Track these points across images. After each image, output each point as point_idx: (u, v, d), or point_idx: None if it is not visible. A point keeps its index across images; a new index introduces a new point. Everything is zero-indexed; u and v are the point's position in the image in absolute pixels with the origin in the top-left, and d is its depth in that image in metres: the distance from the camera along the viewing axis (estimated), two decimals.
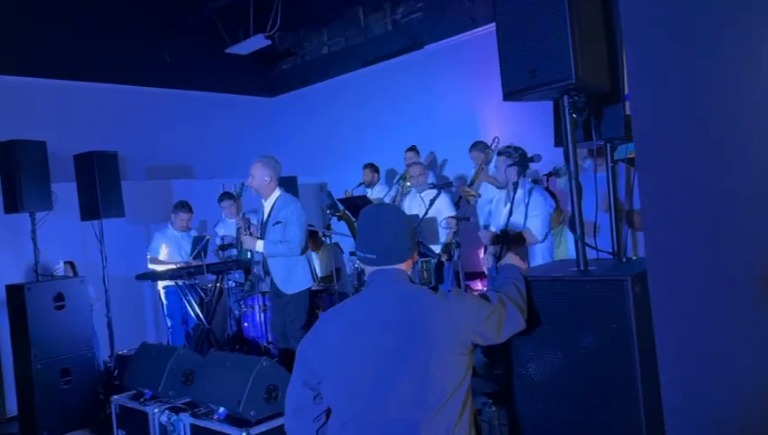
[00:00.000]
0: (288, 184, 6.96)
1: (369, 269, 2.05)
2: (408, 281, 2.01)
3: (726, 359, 1.80)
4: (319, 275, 6.42)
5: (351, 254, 5.41)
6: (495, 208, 4.17)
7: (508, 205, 3.90)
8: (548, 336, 2.16)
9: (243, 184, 4.95)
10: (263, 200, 4.56)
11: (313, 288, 4.82)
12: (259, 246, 4.41)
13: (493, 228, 4.12)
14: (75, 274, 5.50)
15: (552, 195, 4.44)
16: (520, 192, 3.82)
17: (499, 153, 4.11)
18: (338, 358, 1.94)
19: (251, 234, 4.48)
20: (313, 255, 6.54)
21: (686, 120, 1.81)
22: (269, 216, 4.48)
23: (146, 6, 7.90)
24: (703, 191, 1.81)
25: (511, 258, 2.34)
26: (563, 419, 2.16)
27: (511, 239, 3.63)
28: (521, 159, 3.88)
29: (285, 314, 4.53)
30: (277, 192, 4.49)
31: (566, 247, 4.23)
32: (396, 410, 1.84)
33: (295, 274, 4.47)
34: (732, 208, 1.73)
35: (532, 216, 3.81)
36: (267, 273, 4.55)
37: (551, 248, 4.01)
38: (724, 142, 1.71)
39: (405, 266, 2.02)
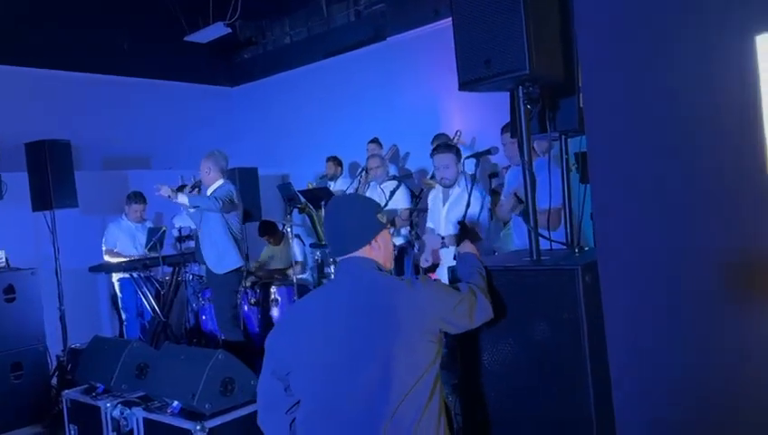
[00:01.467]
0: (249, 175, 6.87)
1: (337, 260, 2.06)
2: (375, 269, 1.97)
3: (675, 347, 1.83)
4: (278, 267, 6.38)
5: (312, 246, 5.38)
6: (434, 205, 4.10)
7: (448, 203, 3.88)
8: (500, 326, 2.17)
9: (194, 178, 5.04)
10: (206, 192, 4.79)
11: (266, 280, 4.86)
12: (181, 198, 4.57)
13: (431, 224, 4.05)
14: (8, 264, 5.28)
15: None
16: (458, 189, 3.80)
17: (435, 151, 4.02)
18: (306, 347, 1.94)
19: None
20: (273, 247, 6.48)
21: (638, 113, 1.83)
22: None
23: None
24: (652, 182, 1.84)
25: (467, 246, 2.35)
26: (516, 407, 2.18)
27: (470, 233, 3.64)
28: (472, 154, 3.91)
29: (216, 299, 4.75)
30: (219, 182, 4.72)
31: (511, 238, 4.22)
32: (362, 398, 1.84)
33: (226, 254, 4.66)
34: (681, 200, 1.76)
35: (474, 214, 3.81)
36: (198, 260, 4.78)
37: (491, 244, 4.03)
38: (674, 134, 1.74)
39: (367, 253, 1.98)
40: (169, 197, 4.52)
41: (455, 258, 3.45)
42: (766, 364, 1.59)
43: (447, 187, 3.86)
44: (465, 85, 2.25)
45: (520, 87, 2.24)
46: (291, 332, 2.00)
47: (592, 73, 2.02)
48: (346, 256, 2.00)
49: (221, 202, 4.51)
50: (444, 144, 4.22)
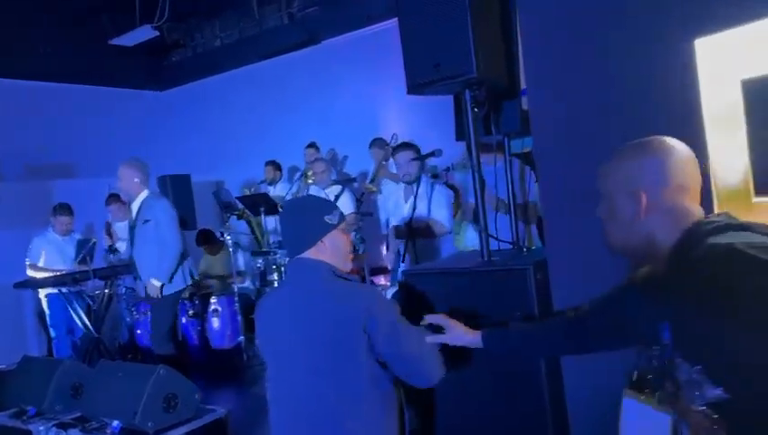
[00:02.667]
0: (181, 183, 6.68)
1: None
2: (321, 271, 1.96)
3: None
4: (217, 274, 6.23)
5: (253, 254, 5.28)
6: (395, 204, 4.20)
7: (411, 199, 3.95)
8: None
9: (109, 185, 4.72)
10: (130, 203, 4.50)
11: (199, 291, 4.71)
12: (157, 283, 4.28)
13: (394, 222, 4.14)
14: None
15: (453, 188, 4.54)
16: (423, 186, 3.89)
17: (397, 149, 4.13)
18: (262, 344, 2.11)
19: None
20: (211, 257, 6.32)
21: (582, 115, 1.89)
22: (137, 217, 4.40)
23: None
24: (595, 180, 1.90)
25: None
26: (470, 407, 2.20)
27: (417, 233, 3.67)
28: (420, 155, 3.95)
29: (154, 317, 4.47)
30: (144, 193, 4.43)
31: (464, 238, 4.32)
32: (304, 399, 1.89)
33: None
34: None
35: (439, 207, 3.88)
36: (138, 277, 4.44)
37: (452, 240, 4.10)
38: (618, 134, 1.80)
39: (315, 254, 1.97)
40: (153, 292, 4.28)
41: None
42: None
43: (410, 183, 3.92)
44: (413, 88, 2.26)
45: (467, 90, 2.27)
46: (257, 326, 2.12)
47: (537, 78, 2.08)
48: (295, 258, 2.02)
49: (178, 243, 4.30)
50: (404, 143, 4.28)
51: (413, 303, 2.26)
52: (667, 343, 1.26)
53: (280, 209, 5.56)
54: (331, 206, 2.07)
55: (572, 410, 2.06)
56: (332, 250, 1.99)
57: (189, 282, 4.53)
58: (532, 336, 1.78)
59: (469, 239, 3.75)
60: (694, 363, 1.16)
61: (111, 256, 5.61)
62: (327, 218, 1.99)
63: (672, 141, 1.31)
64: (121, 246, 5.20)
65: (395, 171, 5.12)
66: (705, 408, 1.16)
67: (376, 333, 1.84)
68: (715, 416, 1.14)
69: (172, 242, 4.30)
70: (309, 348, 1.90)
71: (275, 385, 2.04)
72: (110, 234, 5.56)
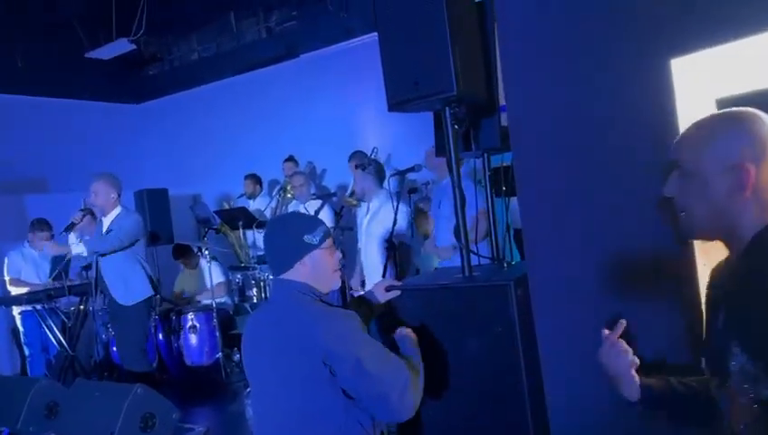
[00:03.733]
0: (159, 196, 6.61)
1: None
2: (294, 292, 1.95)
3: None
4: (190, 292, 6.16)
5: (232, 268, 5.24)
6: (359, 221, 4.22)
7: (367, 217, 3.97)
8: (435, 342, 2.19)
9: (84, 201, 4.65)
10: (102, 217, 4.47)
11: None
12: (76, 249, 4.30)
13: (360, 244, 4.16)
14: None
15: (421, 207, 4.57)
16: (376, 202, 3.93)
17: (356, 167, 4.16)
18: (244, 363, 2.13)
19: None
20: (189, 272, 6.25)
21: (561, 132, 1.92)
22: (106, 231, 4.38)
23: None
24: (577, 197, 1.93)
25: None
26: (453, 422, 2.20)
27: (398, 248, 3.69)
28: (377, 171, 4.01)
29: (122, 333, 4.41)
30: (118, 209, 4.42)
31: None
32: (278, 419, 1.93)
33: (133, 282, 4.34)
34: (605, 213, 1.85)
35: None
36: (101, 290, 4.41)
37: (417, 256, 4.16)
38: (596, 152, 1.83)
39: (294, 275, 1.97)
40: (60, 252, 4.24)
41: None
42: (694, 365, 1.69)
43: (360, 201, 4.00)
44: (394, 106, 2.27)
45: (447, 108, 2.29)
46: (242, 345, 2.13)
47: (516, 95, 2.11)
48: (277, 278, 2.04)
49: (126, 240, 4.25)
50: (362, 162, 4.31)
51: (394, 318, 2.26)
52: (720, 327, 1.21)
53: (257, 224, 5.54)
54: (313, 225, 2.03)
55: (555, 425, 2.07)
56: (313, 271, 1.97)
57: (152, 293, 4.45)
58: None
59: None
60: (755, 358, 1.10)
61: (85, 271, 5.52)
62: (306, 238, 1.96)
63: (761, 114, 1.19)
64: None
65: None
66: (754, 404, 1.11)
67: (338, 366, 1.82)
68: (763, 413, 1.09)
69: (116, 237, 4.23)
70: (278, 370, 1.91)
71: (255, 404, 2.10)
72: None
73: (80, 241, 4.48)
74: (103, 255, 4.30)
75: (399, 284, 2.36)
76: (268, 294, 4.51)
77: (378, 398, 1.84)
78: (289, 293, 1.96)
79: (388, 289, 2.30)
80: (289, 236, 1.99)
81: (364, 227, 3.94)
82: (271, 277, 4.45)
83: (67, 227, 4.45)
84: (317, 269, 1.98)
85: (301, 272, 1.96)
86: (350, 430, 1.87)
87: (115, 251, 4.25)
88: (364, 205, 4.13)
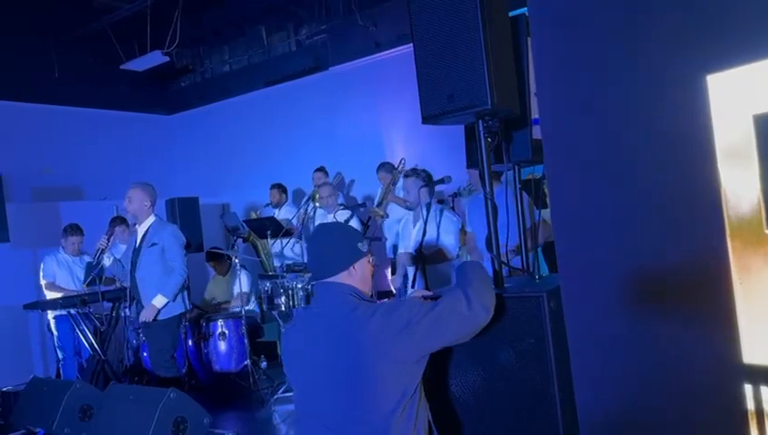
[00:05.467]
0: (189, 205, 6.72)
1: (313, 284, 2.16)
2: (349, 295, 2.03)
3: (634, 367, 1.92)
4: (220, 299, 6.24)
5: (261, 277, 5.30)
6: (404, 229, 4.25)
7: (419, 224, 4.00)
8: (468, 353, 2.21)
9: (116, 207, 4.72)
10: (137, 226, 4.53)
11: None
12: (159, 302, 4.30)
13: (401, 249, 4.19)
14: None
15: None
16: (432, 212, 3.94)
17: (407, 175, 4.20)
18: (289, 369, 2.16)
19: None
20: (220, 278, 6.34)
21: (596, 147, 1.94)
22: (142, 240, 4.43)
23: (33, 17, 7.41)
24: (610, 211, 1.95)
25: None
26: (484, 432, 2.22)
27: (428, 258, 3.70)
28: (429, 181, 4.01)
29: (154, 341, 4.46)
30: (152, 218, 4.48)
31: None
32: (332, 424, 1.93)
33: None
34: (638, 228, 1.86)
35: (446, 233, 3.92)
36: (135, 299, 4.45)
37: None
38: (631, 165, 1.85)
39: (344, 279, 2.06)
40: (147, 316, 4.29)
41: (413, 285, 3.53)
42: (728, 384, 1.69)
43: (410, 209, 4.01)
44: (428, 119, 2.31)
45: (480, 120, 2.32)
46: (284, 350, 2.19)
47: (550, 109, 2.13)
48: (323, 281, 2.08)
49: (183, 269, 4.37)
50: (411, 169, 4.35)
51: None
52: None
53: (284, 233, 5.60)
54: (361, 234, 2.22)
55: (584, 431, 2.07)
56: (360, 276, 2.09)
57: (189, 307, 4.57)
58: None
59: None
60: None
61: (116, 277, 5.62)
62: (359, 245, 2.11)
63: None
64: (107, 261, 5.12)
65: (402, 196, 5.18)
66: None
67: (418, 341, 1.93)
68: None
69: (179, 268, 4.37)
70: (333, 373, 1.94)
71: (302, 411, 2.10)
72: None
73: (111, 257, 4.56)
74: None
75: (431, 293, 2.39)
76: (297, 303, 4.55)
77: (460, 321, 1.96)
78: (340, 293, 2.04)
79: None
80: (344, 241, 2.12)
81: (413, 235, 3.97)
82: (301, 285, 4.50)
83: (96, 256, 4.58)
84: (363, 274, 2.10)
85: (352, 276, 2.07)
86: (407, 424, 1.95)
87: (183, 283, 4.40)
88: (405, 213, 4.18)
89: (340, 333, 1.96)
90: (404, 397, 1.92)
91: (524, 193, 3.21)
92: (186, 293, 4.53)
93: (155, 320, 4.32)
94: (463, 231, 4.27)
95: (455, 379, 2.26)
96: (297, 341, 2.10)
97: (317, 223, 5.47)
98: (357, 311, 1.98)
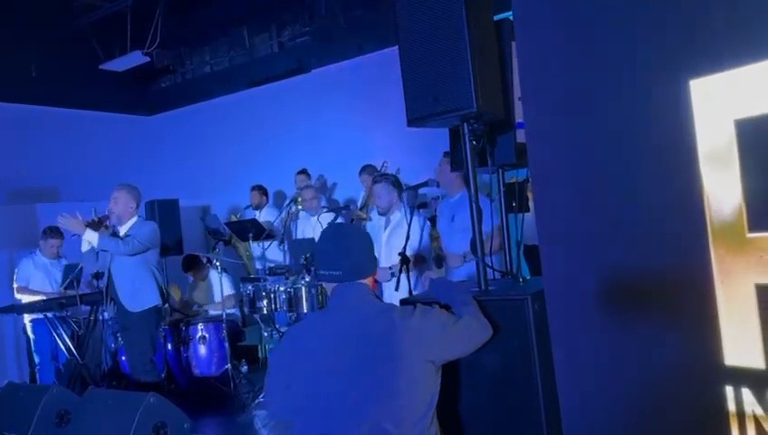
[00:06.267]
0: (169, 207, 6.65)
1: (330, 286, 2.11)
2: (374, 297, 2.08)
3: (617, 369, 1.94)
4: (201, 302, 6.18)
5: (243, 280, 5.26)
6: (375, 235, 4.23)
7: (389, 229, 4.00)
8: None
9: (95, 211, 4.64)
10: (118, 227, 4.52)
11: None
12: (90, 235, 4.27)
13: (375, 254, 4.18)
14: None
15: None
16: (397, 215, 3.97)
17: (376, 181, 4.18)
18: (306, 370, 2.02)
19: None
20: (199, 282, 6.28)
21: (579, 150, 1.95)
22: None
23: (9, 15, 7.28)
24: (594, 214, 1.96)
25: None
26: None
27: (411, 261, 3.71)
28: (398, 185, 4.07)
29: (132, 342, 4.43)
30: (135, 218, 4.50)
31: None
32: (361, 425, 1.90)
33: (142, 289, 4.38)
34: (621, 230, 1.87)
35: (426, 238, 3.94)
36: (112, 298, 4.44)
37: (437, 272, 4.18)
38: (615, 168, 1.86)
39: (368, 282, 2.10)
40: (76, 232, 4.23)
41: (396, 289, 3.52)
42: (709, 386, 1.71)
43: (382, 214, 4.03)
44: (413, 122, 2.31)
45: (465, 123, 2.33)
46: (295, 353, 2.08)
47: (534, 112, 2.14)
48: (347, 283, 2.07)
49: (141, 246, 4.31)
50: (381, 174, 4.36)
51: None
52: None
53: (265, 235, 5.57)
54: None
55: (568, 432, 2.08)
56: (372, 281, 2.17)
57: (160, 302, 4.50)
58: None
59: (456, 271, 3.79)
60: None
61: (96, 281, 5.55)
62: (374, 252, 2.22)
63: None
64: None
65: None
66: None
67: (446, 348, 2.01)
68: None
69: (130, 243, 4.29)
70: (380, 380, 1.92)
71: (306, 410, 2.02)
72: None
73: (90, 244, 4.48)
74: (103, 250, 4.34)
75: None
76: (279, 306, 4.53)
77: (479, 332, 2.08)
78: (371, 297, 2.08)
79: (402, 302, 2.34)
80: (371, 248, 2.18)
81: (384, 239, 3.97)
82: (283, 288, 4.47)
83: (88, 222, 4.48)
84: (374, 278, 2.22)
85: (371, 279, 2.15)
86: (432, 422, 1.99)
87: (129, 254, 4.30)
88: (377, 218, 4.16)
89: (377, 332, 1.96)
90: (430, 409, 1.96)
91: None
92: (156, 286, 4.46)
93: (129, 315, 4.30)
94: (434, 235, 4.29)
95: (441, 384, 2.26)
96: (311, 340, 2.06)
97: (299, 226, 5.46)
98: (394, 310, 2.02)
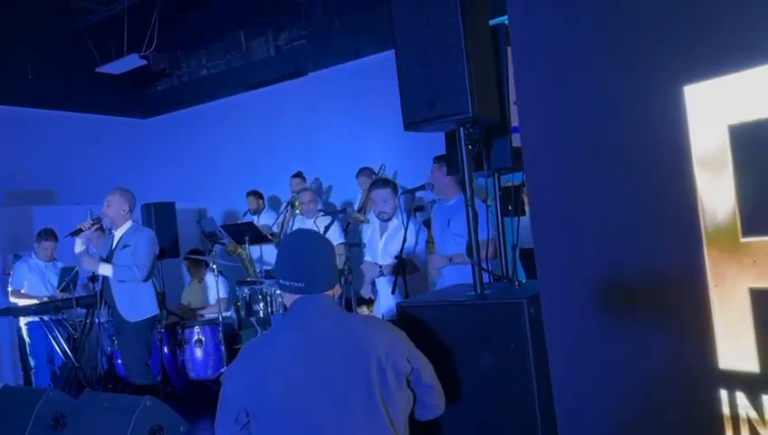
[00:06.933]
0: (166, 210, 6.65)
1: (291, 297, 1.97)
2: (338, 307, 2.00)
3: (612, 372, 1.95)
4: (195, 305, 6.17)
5: (239, 283, 5.26)
6: (371, 238, 4.22)
7: (387, 234, 3.99)
8: (448, 359, 2.22)
9: (90, 212, 4.64)
10: (113, 230, 4.51)
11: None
12: (104, 269, 4.27)
13: (368, 257, 4.16)
14: None
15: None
16: (396, 221, 3.96)
17: (376, 186, 4.14)
18: (275, 391, 1.83)
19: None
20: (196, 284, 6.27)
21: (574, 154, 1.97)
22: (117, 243, 4.41)
23: (6, 17, 7.27)
24: (590, 218, 1.97)
25: None
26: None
27: (407, 265, 3.71)
28: (408, 189, 4.06)
29: (127, 347, 4.43)
30: (129, 223, 4.48)
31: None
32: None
33: (141, 299, 4.37)
34: (617, 234, 1.89)
35: (422, 243, 3.94)
36: (106, 303, 4.42)
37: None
38: (610, 173, 1.88)
39: (331, 293, 2.00)
40: (92, 269, 4.25)
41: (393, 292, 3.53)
42: (704, 389, 1.72)
43: (385, 220, 3.98)
44: (410, 126, 2.32)
45: (461, 128, 2.34)
46: (256, 375, 1.87)
47: (530, 117, 2.15)
48: (312, 295, 1.95)
49: (149, 265, 4.33)
50: (381, 179, 4.36)
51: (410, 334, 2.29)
52: None
53: (271, 239, 5.57)
54: None
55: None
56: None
57: (157, 312, 4.50)
58: None
59: (445, 275, 3.75)
60: None
61: (92, 284, 5.55)
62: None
63: None
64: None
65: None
66: None
67: (418, 364, 1.93)
68: None
69: (141, 266, 4.30)
70: (365, 389, 1.82)
71: (316, 422, 1.83)
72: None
73: (84, 247, 4.48)
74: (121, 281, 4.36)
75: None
76: (275, 309, 4.53)
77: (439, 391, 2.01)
78: (336, 308, 1.98)
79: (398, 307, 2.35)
80: (333, 256, 2.05)
81: (381, 244, 3.96)
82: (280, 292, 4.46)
83: (73, 232, 4.48)
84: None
85: (334, 290, 2.03)
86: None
87: (145, 279, 4.33)
88: (375, 222, 4.16)
89: (355, 342, 1.87)
90: (400, 414, 1.90)
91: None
92: (155, 296, 4.47)
93: (125, 322, 4.29)
94: (430, 240, 4.29)
95: None
96: (279, 361, 1.88)
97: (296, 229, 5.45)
98: (368, 321, 2.00)
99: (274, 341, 1.99)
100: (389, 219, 3.95)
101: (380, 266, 3.84)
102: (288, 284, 1.96)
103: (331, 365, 1.84)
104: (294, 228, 5.51)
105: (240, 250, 6.11)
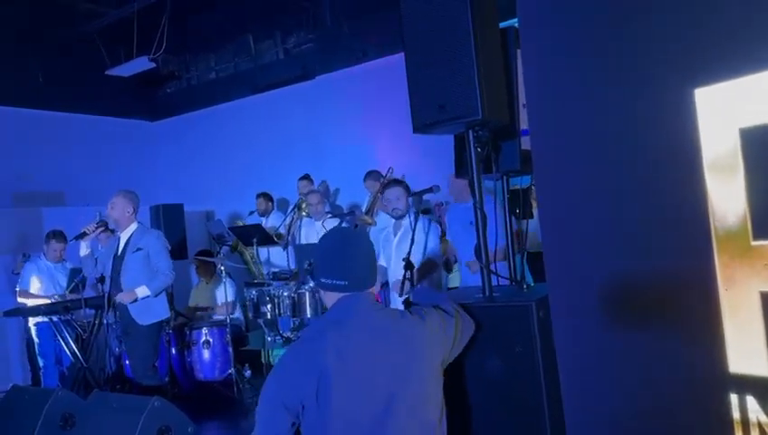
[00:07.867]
0: (174, 212, 6.69)
1: (333, 296, 1.96)
2: (382, 305, 2.08)
3: (621, 376, 1.94)
4: (203, 305, 6.19)
5: (247, 285, 5.28)
6: (386, 239, 4.25)
7: (399, 234, 4.02)
8: (457, 362, 2.21)
9: (99, 214, 4.66)
10: (118, 232, 4.52)
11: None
12: (141, 292, 4.30)
13: (381, 261, 4.18)
14: None
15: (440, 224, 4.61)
16: (407, 221, 4.00)
17: (387, 186, 4.21)
18: (336, 385, 1.82)
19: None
20: (204, 285, 6.29)
21: (584, 157, 1.96)
22: (125, 246, 4.43)
23: (16, 21, 7.33)
24: (599, 222, 1.97)
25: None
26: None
27: (421, 269, 3.73)
28: (417, 191, 4.08)
29: (135, 348, 4.44)
30: (135, 224, 4.49)
31: (460, 275, 4.37)
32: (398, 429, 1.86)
33: (154, 304, 4.40)
34: (626, 237, 1.88)
35: (435, 244, 3.96)
36: (113, 305, 4.44)
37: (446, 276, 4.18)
38: (621, 176, 1.87)
39: (373, 290, 2.03)
40: (131, 300, 4.29)
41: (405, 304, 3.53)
42: (714, 393, 1.71)
43: (399, 218, 4.07)
44: (419, 129, 2.33)
45: (470, 130, 2.34)
46: (317, 368, 1.85)
47: (539, 120, 2.15)
48: (355, 293, 1.94)
49: (172, 272, 4.40)
50: (393, 180, 4.41)
51: None
52: None
53: (277, 240, 5.59)
54: None
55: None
56: None
57: (168, 315, 4.56)
58: None
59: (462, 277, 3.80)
60: None
61: (100, 285, 5.56)
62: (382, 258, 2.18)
63: None
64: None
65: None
66: None
67: (450, 345, 2.04)
68: None
69: (165, 268, 4.37)
70: (419, 383, 1.91)
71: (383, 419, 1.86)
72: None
73: (89, 250, 4.49)
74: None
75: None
76: (282, 311, 4.54)
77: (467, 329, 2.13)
78: (382, 305, 2.09)
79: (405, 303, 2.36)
80: (374, 254, 2.11)
81: (395, 245, 3.99)
82: (287, 293, 4.48)
83: (78, 235, 4.50)
84: None
85: (375, 288, 2.07)
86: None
87: (172, 279, 4.45)
88: (387, 225, 4.19)
89: (402, 338, 1.93)
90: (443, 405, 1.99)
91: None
92: (166, 299, 4.50)
93: (134, 324, 4.30)
94: (443, 240, 4.30)
95: (445, 389, 2.26)
96: (338, 358, 1.85)
97: (303, 231, 5.47)
98: (405, 317, 1.99)
99: (336, 336, 1.90)
100: (403, 216, 4.02)
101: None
102: (330, 282, 1.94)
103: (391, 359, 1.88)
104: (302, 230, 5.53)
105: (242, 248, 6.13)
